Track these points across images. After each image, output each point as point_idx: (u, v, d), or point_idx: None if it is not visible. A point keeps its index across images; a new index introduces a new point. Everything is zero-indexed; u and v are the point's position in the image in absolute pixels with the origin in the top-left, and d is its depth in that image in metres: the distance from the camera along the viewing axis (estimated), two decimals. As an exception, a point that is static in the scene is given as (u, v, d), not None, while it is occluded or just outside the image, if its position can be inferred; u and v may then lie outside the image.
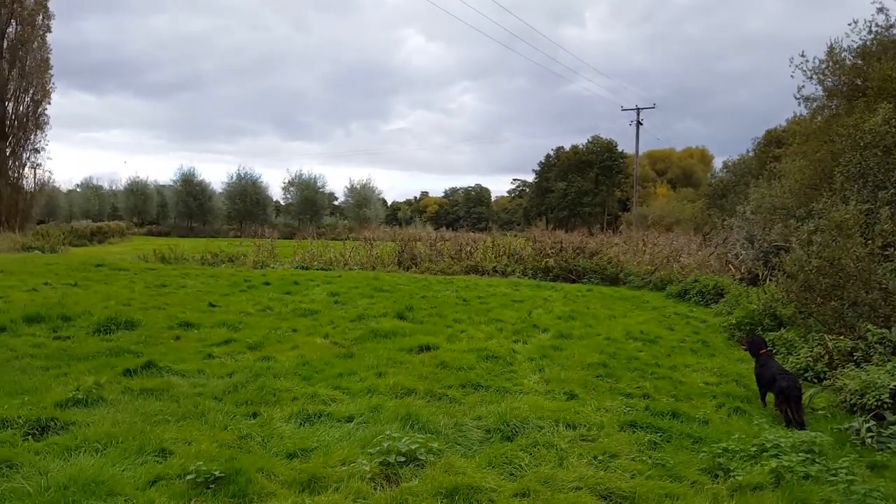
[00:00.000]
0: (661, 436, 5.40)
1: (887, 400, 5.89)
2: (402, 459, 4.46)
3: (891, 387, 5.94)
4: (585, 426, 5.53)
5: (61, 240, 32.85)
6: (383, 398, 6.02)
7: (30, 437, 4.72)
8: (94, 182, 75.49)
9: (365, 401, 5.91)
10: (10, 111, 36.17)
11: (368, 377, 6.80)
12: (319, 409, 5.57)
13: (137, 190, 67.47)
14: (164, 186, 69.47)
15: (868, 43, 14.21)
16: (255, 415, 5.46)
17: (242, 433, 4.97)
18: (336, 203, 78.28)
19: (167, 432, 4.88)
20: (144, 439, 4.65)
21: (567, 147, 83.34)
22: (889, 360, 6.82)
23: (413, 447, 4.57)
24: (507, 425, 5.38)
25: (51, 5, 37.13)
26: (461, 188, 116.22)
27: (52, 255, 25.43)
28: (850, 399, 6.30)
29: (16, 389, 5.89)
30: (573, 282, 19.65)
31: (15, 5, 35.27)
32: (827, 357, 7.67)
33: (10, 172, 36.68)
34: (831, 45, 15.04)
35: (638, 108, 47.40)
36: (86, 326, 8.95)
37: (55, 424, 4.94)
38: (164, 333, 8.85)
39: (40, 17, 36.54)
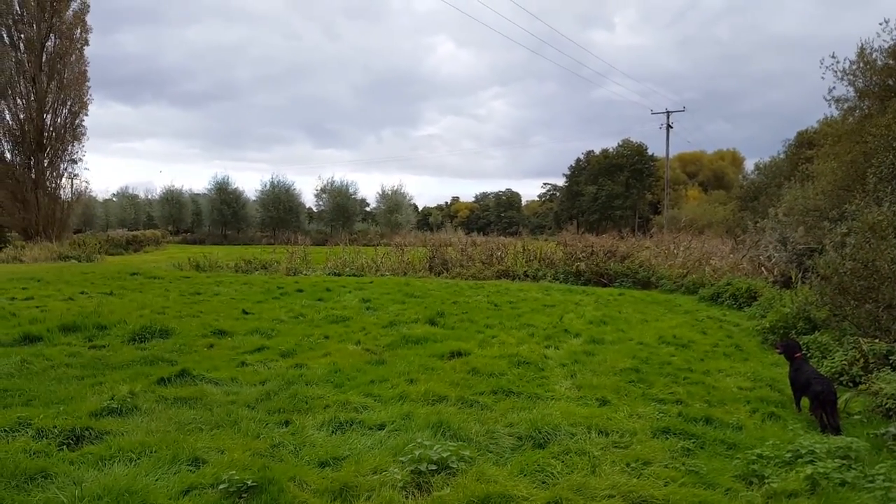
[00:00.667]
0: (694, 442, 5.33)
1: (925, 404, 5.76)
2: (434, 468, 4.48)
3: (927, 391, 5.81)
4: (618, 433, 5.48)
5: (97, 248, 33.72)
6: (415, 405, 6.05)
7: (65, 446, 4.80)
8: (130, 191, 77.57)
9: (396, 408, 5.95)
10: (49, 123, 37.22)
11: (400, 384, 6.83)
12: (351, 417, 5.62)
13: (172, 199, 68.80)
14: (198, 195, 70.76)
15: (900, 43, 13.91)
16: (287, 423, 5.52)
17: (275, 441, 5.04)
18: (368, 209, 79.02)
19: (200, 441, 4.96)
20: (178, 448, 4.71)
21: (597, 151, 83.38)
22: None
23: (445, 455, 4.59)
24: (539, 432, 5.36)
25: (88, 19, 38.17)
26: (492, 193, 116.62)
27: (89, 264, 26.14)
28: (886, 403, 6.19)
29: (51, 399, 6.01)
30: (605, 286, 19.50)
31: (54, 20, 36.34)
32: (862, 361, 7.52)
33: (47, 183, 37.75)
34: (862, 45, 14.84)
35: (668, 112, 46.95)
36: (121, 335, 9.14)
37: (90, 434, 5.03)
38: (198, 341, 9.00)
39: (78, 30, 37.58)
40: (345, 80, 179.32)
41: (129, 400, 5.86)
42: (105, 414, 5.57)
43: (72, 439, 4.93)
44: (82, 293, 14.18)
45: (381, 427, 5.44)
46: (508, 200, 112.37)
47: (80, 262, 27.76)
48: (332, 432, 5.32)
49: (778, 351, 7.41)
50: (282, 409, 5.90)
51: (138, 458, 4.56)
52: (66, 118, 37.87)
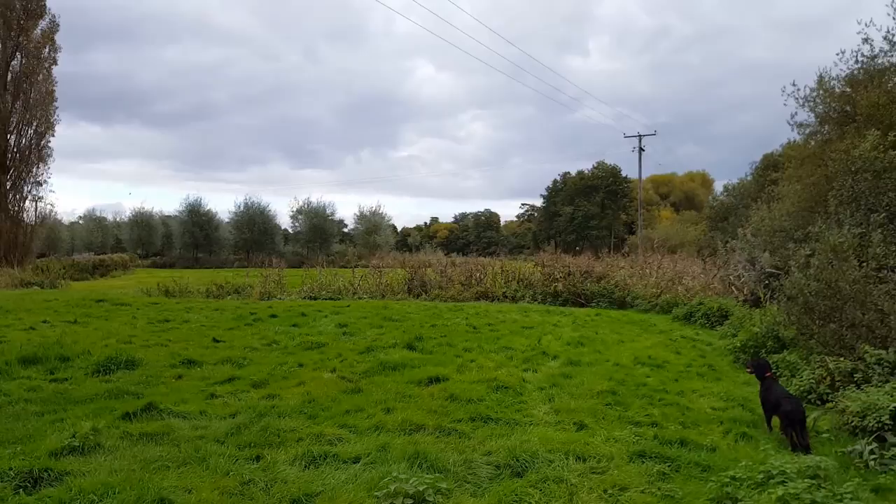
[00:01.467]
0: (669, 465, 5.36)
1: (888, 421, 5.90)
2: (410, 502, 4.40)
3: (890, 408, 5.96)
4: (595, 458, 5.48)
5: (62, 274, 32.91)
6: (391, 436, 5.97)
7: (21, 490, 4.54)
8: (98, 214, 76.10)
9: (372, 439, 5.86)
10: (12, 144, 36.44)
11: (376, 413, 6.74)
12: (325, 450, 5.50)
13: (142, 221, 67.92)
14: (169, 217, 69.99)
15: (855, 72, 14.55)
16: (258, 458, 5.37)
17: (245, 478, 4.89)
18: (346, 230, 78.77)
19: (167, 480, 4.80)
20: (143, 488, 4.53)
21: (573, 172, 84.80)
22: (888, 381, 6.85)
23: (421, 488, 4.51)
24: (517, 460, 5.33)
25: (58, 38, 37.65)
26: (471, 213, 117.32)
27: (52, 291, 25.42)
28: (852, 421, 6.30)
29: (8, 438, 5.73)
30: (582, 306, 19.64)
31: (21, 38, 35.75)
32: (829, 379, 7.69)
33: (10, 206, 36.82)
34: (821, 73, 15.45)
35: (640, 135, 47.70)
36: (84, 367, 8.82)
37: (49, 475, 4.79)
38: (166, 372, 8.78)
39: (46, 49, 37.04)
40: (324, 100, 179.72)
41: (91, 437, 5.61)
42: (66, 453, 5.33)
43: (29, 482, 4.68)
44: (44, 322, 13.73)
45: (356, 460, 5.34)
46: (487, 221, 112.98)
47: (43, 288, 26.98)
48: (305, 467, 5.20)
49: (748, 370, 7.53)
50: (253, 443, 5.75)
51: (100, 501, 4.38)
52: (31, 139, 37.20)
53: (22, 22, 35.59)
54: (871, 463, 5.41)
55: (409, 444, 5.60)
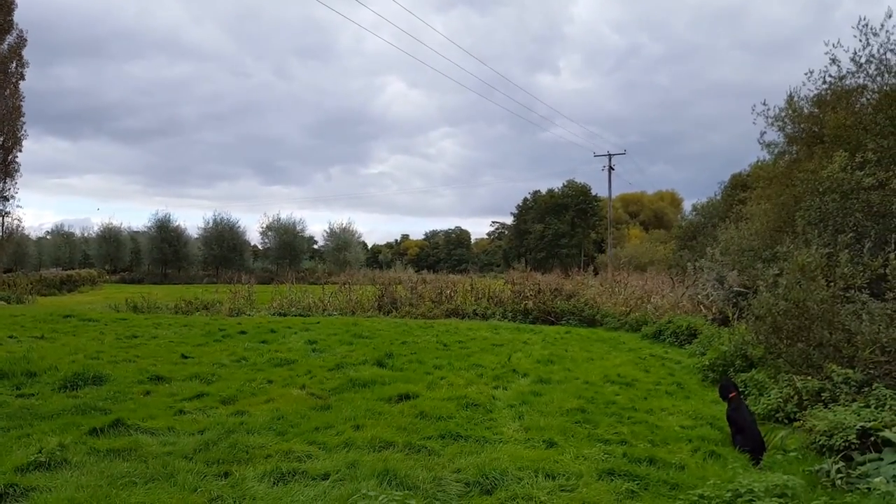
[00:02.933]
0: (638, 483, 5.38)
1: (854, 440, 5.98)
2: (379, 519, 4.37)
3: (857, 427, 6.05)
4: (564, 475, 5.50)
5: (29, 289, 32.31)
6: (361, 453, 5.93)
7: None
8: (66, 229, 74.63)
9: (341, 456, 5.81)
10: (-22, 159, 35.67)
11: (346, 430, 6.69)
12: (294, 467, 5.45)
13: (110, 237, 66.80)
14: (138, 233, 68.96)
15: (823, 92, 14.77)
16: (226, 474, 5.30)
17: (213, 495, 4.83)
18: (316, 247, 78.27)
19: (133, 496, 4.72)
20: (109, 505, 4.46)
21: (544, 191, 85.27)
22: (855, 400, 6.97)
23: (389, 506, 4.49)
24: (487, 478, 5.32)
25: (26, 52, 37.04)
26: (441, 231, 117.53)
27: (19, 306, 24.94)
28: (820, 440, 6.38)
29: (-26, 453, 5.63)
30: (552, 323, 19.74)
31: (-13, 53, 35.13)
32: (796, 398, 7.77)
33: (-24, 222, 36.07)
34: (790, 93, 15.68)
35: (610, 154, 48.62)
36: (51, 382, 8.66)
37: (14, 491, 4.73)
38: (134, 388, 8.62)
39: (13, 64, 36.31)
40: (293, 117, 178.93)
41: (58, 453, 5.51)
42: (32, 469, 5.23)
43: (-6, 498, 4.61)
44: (11, 337, 13.44)
45: (326, 477, 5.29)
46: (458, 238, 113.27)
47: (9, 303, 26.43)
48: (274, 483, 5.14)
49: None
50: (221, 459, 5.67)
51: (65, 517, 4.30)
52: (-3, 154, 36.39)
53: (-12, 37, 34.99)
54: (839, 482, 5.46)
55: (378, 462, 5.56)
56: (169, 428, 6.69)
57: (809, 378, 7.90)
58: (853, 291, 9.13)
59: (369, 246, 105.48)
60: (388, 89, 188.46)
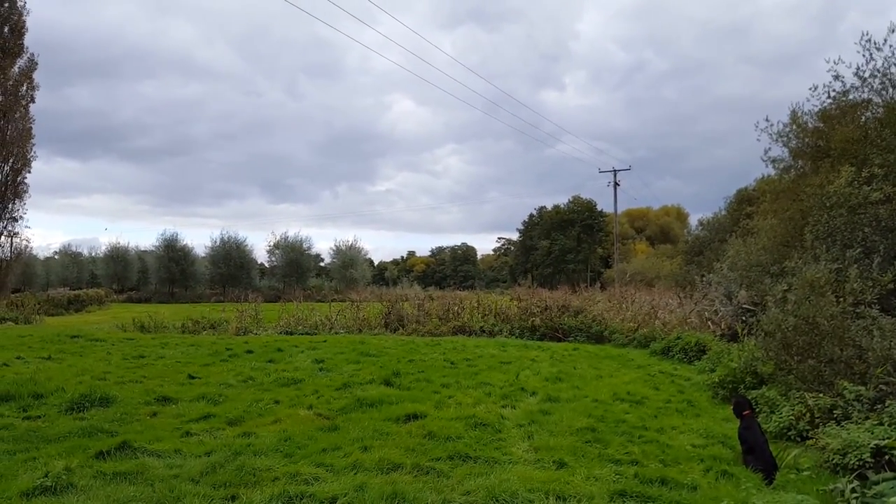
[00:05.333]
0: (650, 505, 5.31)
1: (868, 459, 5.92)
2: (387, 543, 4.32)
3: (871, 446, 5.99)
4: (576, 497, 5.43)
5: (36, 309, 32.37)
6: (368, 475, 5.87)
7: None
8: (73, 249, 74.84)
9: (349, 478, 5.76)
10: (-12, 180, 35.97)
11: (353, 452, 6.64)
12: (301, 490, 5.39)
13: (117, 256, 66.95)
14: (145, 252, 69.12)
15: (827, 107, 14.76)
16: (233, 498, 5.26)
17: (220, 519, 4.79)
18: (322, 264, 78.40)
19: (140, 521, 4.68)
20: (117, 529, 4.42)
21: (550, 206, 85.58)
22: (868, 418, 6.88)
23: (398, 529, 4.44)
24: (497, 500, 5.26)
25: (37, 75, 37.48)
26: (448, 247, 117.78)
27: (26, 327, 24.95)
28: (833, 459, 6.32)
29: (-21, 478, 5.59)
30: (560, 340, 19.64)
31: (-2, 76, 35.54)
32: (808, 415, 7.70)
33: (-16, 242, 36.26)
34: (794, 109, 15.72)
35: (615, 170, 48.67)
36: (58, 404, 8.64)
37: (21, 517, 4.68)
38: (141, 410, 8.60)
39: (24, 87, 36.74)
40: (301, 135, 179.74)
41: (64, 476, 5.47)
42: (38, 493, 5.20)
43: (-1, 524, 4.57)
44: (18, 358, 13.44)
45: (333, 500, 5.24)
46: (464, 254, 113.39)
47: (17, 324, 26.43)
48: (281, 507, 5.09)
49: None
50: (228, 482, 5.63)
51: (72, 543, 4.26)
52: (7, 175, 36.67)
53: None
54: (853, 502, 5.37)
55: (386, 484, 5.51)
56: (176, 450, 6.64)
57: (821, 395, 7.82)
58: (863, 307, 9.06)
59: (375, 263, 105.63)
60: (395, 107, 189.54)
